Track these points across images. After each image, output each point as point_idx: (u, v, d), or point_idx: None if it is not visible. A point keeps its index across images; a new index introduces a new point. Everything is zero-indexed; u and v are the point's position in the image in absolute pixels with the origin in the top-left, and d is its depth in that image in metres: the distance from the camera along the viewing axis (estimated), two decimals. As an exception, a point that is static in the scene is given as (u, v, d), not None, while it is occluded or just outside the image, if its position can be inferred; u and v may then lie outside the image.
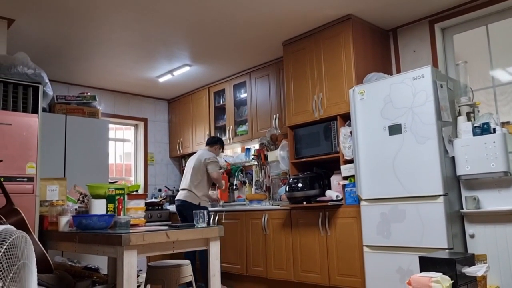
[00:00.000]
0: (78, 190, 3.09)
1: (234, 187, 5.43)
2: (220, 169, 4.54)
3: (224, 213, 4.82)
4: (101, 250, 2.31)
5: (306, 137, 4.15)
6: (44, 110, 3.75)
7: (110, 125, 5.06)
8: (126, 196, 2.97)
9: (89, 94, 4.62)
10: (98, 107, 4.64)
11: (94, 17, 3.79)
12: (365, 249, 3.41)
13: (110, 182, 4.25)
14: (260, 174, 5.11)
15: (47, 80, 3.48)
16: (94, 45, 4.43)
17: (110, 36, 4.22)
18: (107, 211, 2.82)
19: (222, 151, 4.97)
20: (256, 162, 5.11)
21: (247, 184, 5.31)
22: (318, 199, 3.84)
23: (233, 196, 5.44)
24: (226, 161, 5.52)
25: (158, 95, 6.40)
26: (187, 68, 5.18)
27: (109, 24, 3.94)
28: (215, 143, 4.74)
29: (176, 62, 5.04)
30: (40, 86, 3.19)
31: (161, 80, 5.56)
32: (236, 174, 5.41)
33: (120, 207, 2.90)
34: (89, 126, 4.40)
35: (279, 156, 4.49)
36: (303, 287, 4.00)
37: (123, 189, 2.97)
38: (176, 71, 5.27)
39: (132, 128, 6.43)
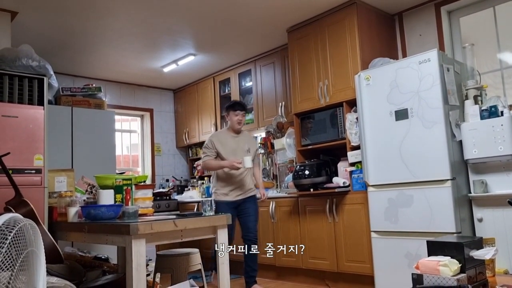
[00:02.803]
0: (86, 181, 3.12)
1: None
2: (205, 155, 3.81)
3: (231, 201, 4.83)
4: (110, 240, 2.34)
5: (312, 124, 4.13)
6: (50, 102, 3.77)
7: (116, 117, 5.08)
8: (133, 187, 2.98)
9: (94, 85, 4.62)
10: (104, 99, 4.65)
11: (97, 7, 3.78)
12: (373, 234, 3.41)
13: (117, 173, 4.28)
14: (267, 162, 5.11)
15: (52, 72, 3.49)
16: (98, 36, 4.42)
17: (114, 27, 4.21)
18: (115, 201, 2.84)
19: (237, 115, 3.87)
20: (262, 151, 5.11)
21: (253, 172, 5.31)
22: (325, 186, 3.83)
23: (240, 185, 5.45)
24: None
25: (164, 85, 6.40)
26: (191, 58, 5.17)
27: (113, 14, 3.93)
28: (225, 111, 4.04)
29: (180, 52, 5.02)
30: (45, 78, 3.20)
31: (165, 70, 5.56)
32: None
33: (128, 197, 2.92)
34: (95, 118, 4.42)
35: (286, 144, 4.48)
36: (311, 273, 4.02)
37: (130, 179, 2.98)
38: (180, 61, 5.26)
39: (138, 119, 6.44)
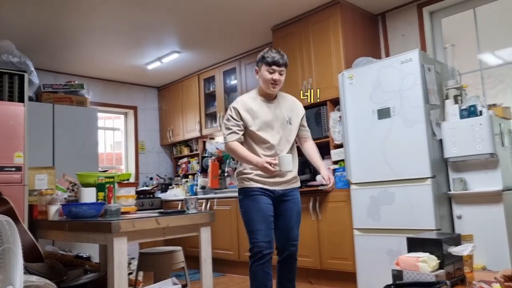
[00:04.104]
0: (67, 179, 3.08)
1: (226, 174, 5.44)
2: (229, 132, 2.59)
3: (216, 200, 4.83)
4: (91, 238, 2.32)
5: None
6: (30, 99, 3.72)
7: (99, 114, 5.02)
8: (116, 184, 2.96)
9: (76, 82, 4.57)
10: (86, 96, 4.60)
11: (80, 3, 3.72)
12: (356, 232, 3.45)
13: (100, 171, 4.24)
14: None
15: (32, 69, 3.44)
16: (81, 32, 4.36)
17: (97, 23, 4.16)
18: (97, 199, 2.81)
19: (272, 72, 2.58)
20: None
21: (238, 170, 5.30)
22: (308, 184, 3.86)
23: (225, 183, 5.46)
24: (217, 148, 5.52)
25: (148, 82, 6.35)
26: (176, 55, 5.14)
27: (96, 10, 3.88)
28: (256, 64, 2.71)
29: (164, 49, 4.99)
30: (25, 74, 3.15)
31: (149, 67, 5.51)
32: (227, 161, 5.41)
33: (110, 195, 2.89)
34: (77, 115, 4.37)
35: (270, 142, 4.48)
36: (294, 271, 4.04)
37: (113, 177, 2.96)
38: (164, 58, 5.22)
39: (122, 116, 6.38)
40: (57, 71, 5.47)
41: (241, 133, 2.58)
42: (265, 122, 2.61)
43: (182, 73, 5.94)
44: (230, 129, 2.59)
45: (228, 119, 2.63)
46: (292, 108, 2.75)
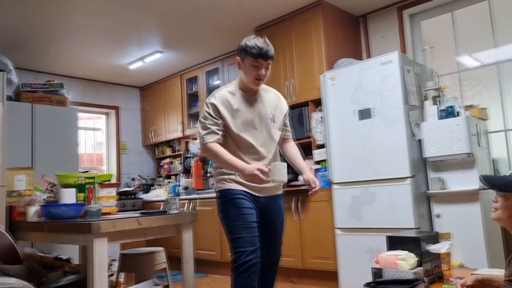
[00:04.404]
0: (46, 180, 3.03)
1: (208, 174, 5.43)
2: (206, 132, 2.23)
3: (198, 200, 4.82)
4: (71, 239, 2.29)
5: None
6: (9, 98, 3.64)
7: (80, 114, 4.96)
8: (97, 185, 2.92)
9: (56, 82, 4.50)
10: (66, 95, 4.53)
11: (61, 1, 3.67)
12: (337, 231, 3.49)
13: (81, 172, 4.18)
14: (234, 161, 5.10)
15: (11, 67, 3.38)
16: (61, 30, 4.30)
17: (78, 22, 4.11)
18: (77, 200, 2.77)
19: (257, 66, 2.21)
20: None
21: (221, 171, 5.29)
22: (291, 183, 3.88)
23: (208, 184, 5.44)
24: (199, 148, 5.49)
25: (130, 82, 6.29)
26: (158, 55, 5.11)
27: (77, 9, 3.83)
28: (238, 53, 2.31)
29: (147, 49, 4.95)
30: (3, 73, 3.09)
31: (131, 67, 5.47)
32: (210, 162, 5.40)
33: (91, 196, 2.85)
34: (57, 115, 4.30)
35: (252, 142, 4.49)
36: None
37: (93, 177, 2.92)
38: (147, 58, 5.19)
39: (103, 116, 6.31)
40: (37, 70, 5.38)
41: (221, 133, 2.24)
42: (247, 122, 2.28)
43: (165, 73, 5.90)
44: (208, 128, 2.23)
45: (205, 117, 2.27)
46: (276, 104, 2.43)
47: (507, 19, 3.67)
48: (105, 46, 4.77)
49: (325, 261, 3.65)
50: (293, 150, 2.49)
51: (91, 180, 2.84)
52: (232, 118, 2.26)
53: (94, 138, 6.31)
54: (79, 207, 2.57)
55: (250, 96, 2.33)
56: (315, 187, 2.27)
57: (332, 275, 3.57)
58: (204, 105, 2.31)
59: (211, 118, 2.25)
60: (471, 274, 2.21)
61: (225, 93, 2.30)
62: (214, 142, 2.21)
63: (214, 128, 2.23)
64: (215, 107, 2.26)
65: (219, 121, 2.25)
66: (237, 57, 2.30)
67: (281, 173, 2.09)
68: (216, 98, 2.28)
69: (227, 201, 2.26)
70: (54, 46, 4.69)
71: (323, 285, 3.69)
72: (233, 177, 2.26)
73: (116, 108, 6.25)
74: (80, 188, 2.80)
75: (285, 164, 2.13)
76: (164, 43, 4.80)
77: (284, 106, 2.48)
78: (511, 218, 1.54)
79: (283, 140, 2.50)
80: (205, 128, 2.24)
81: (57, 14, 3.92)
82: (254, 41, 2.24)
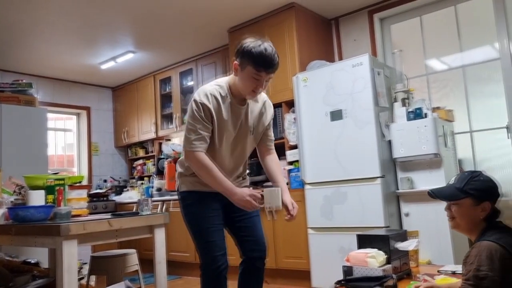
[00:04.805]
0: (14, 182, 2.95)
1: (182, 175, 5.40)
2: (195, 137, 1.96)
3: (172, 202, 4.78)
4: (39, 242, 2.23)
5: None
6: (-26, 98, 3.53)
7: (50, 115, 4.84)
8: (67, 187, 2.87)
9: (24, 81, 4.38)
10: (35, 95, 4.41)
11: (27, -1, 3.59)
12: (310, 231, 3.53)
13: (50, 174, 4.08)
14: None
15: (-24, 66, 3.27)
16: (30, 29, 4.19)
17: (48, 19, 4.02)
18: (46, 202, 2.71)
19: (258, 77, 1.92)
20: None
21: (195, 172, 5.28)
22: (264, 184, 3.90)
23: (181, 185, 5.41)
24: (173, 150, 5.46)
25: (102, 82, 6.19)
26: (131, 55, 5.05)
27: (46, 6, 3.75)
28: (237, 56, 1.99)
29: (119, 49, 4.89)
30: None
31: (103, 67, 5.38)
32: (183, 163, 5.37)
33: (60, 198, 2.79)
34: (26, 115, 4.18)
35: (226, 143, 4.50)
36: (251, 271, 4.08)
37: (63, 179, 2.86)
38: (119, 58, 5.12)
39: (74, 117, 6.18)
40: (3, 69, 5.23)
41: (209, 141, 1.99)
42: (228, 135, 2.06)
43: (138, 74, 5.84)
44: (199, 133, 1.95)
45: (195, 119, 1.96)
46: (262, 113, 2.18)
47: (471, 25, 3.81)
48: (75, 45, 4.68)
49: (298, 261, 3.69)
50: (274, 165, 2.25)
51: (61, 182, 2.79)
52: (218, 128, 2.02)
53: (65, 139, 6.17)
54: (48, 209, 2.51)
55: (239, 104, 2.06)
56: (292, 213, 2.05)
57: (304, 274, 3.61)
58: (194, 103, 1.98)
59: (202, 122, 1.96)
60: (437, 271, 2.29)
61: (217, 95, 2.01)
62: (203, 152, 1.97)
63: (205, 134, 1.97)
64: (208, 110, 1.97)
65: (210, 127, 1.99)
66: (235, 61, 1.97)
67: (275, 200, 1.95)
68: (208, 99, 1.98)
69: (191, 203, 2.12)
70: (22, 45, 4.57)
71: (296, 285, 3.73)
72: (196, 178, 2.07)
73: (87, 109, 6.13)
74: (49, 190, 2.74)
75: (279, 189, 1.98)
76: (137, 43, 4.75)
77: (269, 115, 2.23)
78: (469, 223, 1.59)
79: (264, 151, 2.27)
80: (195, 132, 1.96)
81: (25, 11, 3.82)
82: (260, 48, 1.90)
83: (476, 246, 1.47)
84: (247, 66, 1.92)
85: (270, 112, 2.24)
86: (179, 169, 2.21)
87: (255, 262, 2.23)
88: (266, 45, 1.93)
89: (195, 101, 1.98)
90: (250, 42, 1.93)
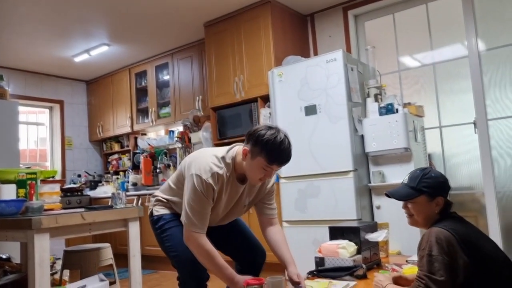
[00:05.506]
0: (-17, 176, 2.89)
1: (158, 170, 5.37)
2: (197, 215, 1.88)
3: (147, 196, 4.76)
4: (10, 236, 2.20)
5: (228, 118, 4.21)
6: None
7: (21, 108, 4.73)
8: (39, 181, 2.83)
9: (-6, 73, 4.27)
10: (6, 88, 4.30)
11: (-3, -11, 3.50)
12: (284, 224, 3.58)
13: (22, 168, 4.00)
14: (184, 157, 5.10)
15: None
16: (-1, 20, 4.09)
17: (18, 10, 3.92)
18: (18, 196, 2.67)
19: (268, 169, 1.88)
20: (180, 145, 5.09)
21: (171, 167, 5.28)
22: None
23: (157, 180, 5.38)
24: (149, 144, 5.43)
25: (75, 75, 6.08)
26: (105, 48, 4.98)
27: (16, -3, 3.67)
28: (248, 141, 1.90)
29: (93, 41, 4.81)
30: None
31: (77, 59, 5.29)
32: (160, 157, 5.35)
33: (32, 192, 2.76)
34: (-4, 108, 4.08)
35: (202, 137, 4.52)
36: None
37: (35, 173, 2.82)
38: (93, 51, 5.04)
39: (47, 111, 6.05)
40: (-28, 61, 5.08)
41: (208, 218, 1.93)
42: (227, 200, 2.01)
43: (113, 67, 5.76)
44: (202, 214, 1.88)
45: (200, 198, 1.86)
46: (261, 186, 2.12)
47: (441, 24, 3.92)
48: (48, 36, 4.59)
49: (272, 254, 3.72)
50: (278, 238, 2.20)
51: (33, 176, 2.75)
52: (216, 203, 1.97)
53: (37, 134, 6.04)
54: (20, 203, 2.47)
55: (240, 182, 2.00)
56: (300, 286, 1.95)
57: (279, 267, 3.64)
58: (199, 180, 1.86)
59: (207, 201, 1.88)
60: (406, 261, 2.37)
61: (222, 175, 1.91)
62: (204, 235, 1.90)
63: (207, 212, 1.91)
64: (212, 190, 1.89)
65: (212, 205, 1.93)
66: (245, 147, 1.89)
67: None
68: (215, 178, 1.88)
69: (171, 220, 2.07)
70: (-9, 36, 4.45)
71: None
72: (173, 205, 2.10)
73: (60, 102, 6.02)
74: (21, 184, 2.70)
75: (282, 280, 1.86)
76: (112, 36, 4.69)
77: (269, 185, 2.16)
78: (425, 219, 1.67)
79: (266, 221, 2.21)
80: (199, 213, 1.87)
81: (-6, 2, 3.73)
82: (276, 142, 1.84)
83: (426, 233, 1.54)
84: (258, 156, 1.84)
85: (270, 182, 2.16)
86: (162, 196, 2.16)
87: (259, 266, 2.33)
88: (283, 137, 1.88)
89: (200, 178, 1.86)
90: (265, 131, 1.86)
